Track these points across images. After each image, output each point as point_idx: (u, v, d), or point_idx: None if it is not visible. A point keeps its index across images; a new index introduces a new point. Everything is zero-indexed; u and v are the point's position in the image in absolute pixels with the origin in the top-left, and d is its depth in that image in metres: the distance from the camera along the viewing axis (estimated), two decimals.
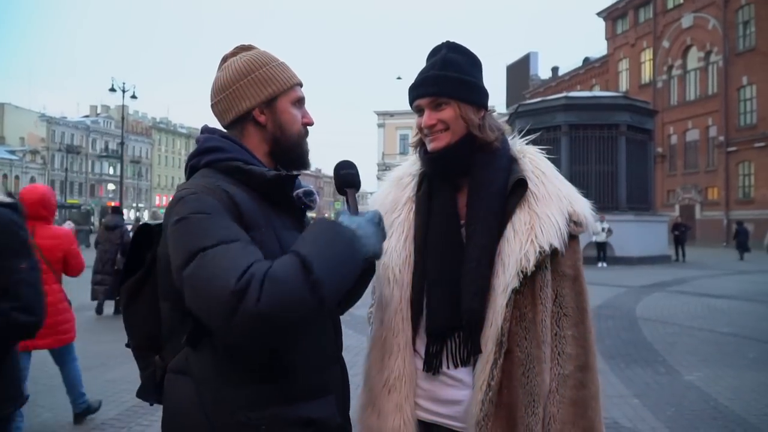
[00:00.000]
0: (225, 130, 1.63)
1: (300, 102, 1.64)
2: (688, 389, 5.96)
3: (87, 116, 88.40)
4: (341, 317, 1.75)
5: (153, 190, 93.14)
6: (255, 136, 1.60)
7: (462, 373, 1.66)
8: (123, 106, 39.74)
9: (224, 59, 1.65)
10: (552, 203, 1.64)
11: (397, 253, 1.73)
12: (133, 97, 37.61)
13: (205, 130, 1.63)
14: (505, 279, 1.58)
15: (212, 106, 1.63)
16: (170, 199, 1.50)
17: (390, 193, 1.85)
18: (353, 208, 1.60)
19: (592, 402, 1.63)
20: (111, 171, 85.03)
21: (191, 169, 1.58)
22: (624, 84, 48.34)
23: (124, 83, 36.83)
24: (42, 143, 77.73)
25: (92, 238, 36.84)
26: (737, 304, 11.99)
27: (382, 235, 1.48)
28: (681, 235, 24.97)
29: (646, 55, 46.29)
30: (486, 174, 1.68)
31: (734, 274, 18.81)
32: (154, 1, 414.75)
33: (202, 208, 1.36)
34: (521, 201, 1.65)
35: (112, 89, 36.45)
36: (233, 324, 1.22)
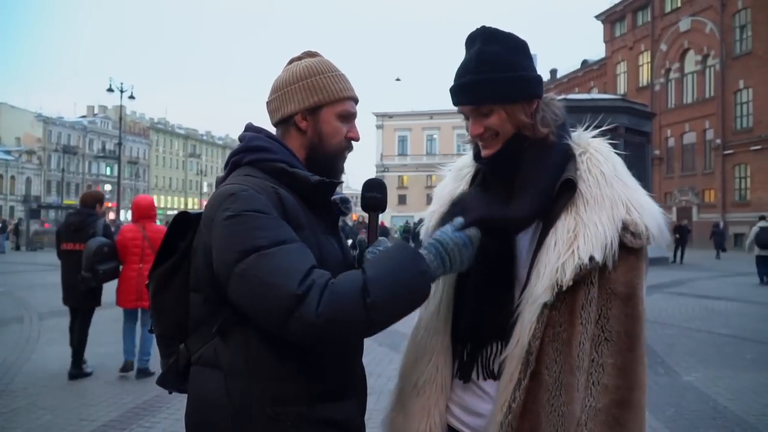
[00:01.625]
0: (271, 130, 1.67)
1: (348, 116, 1.64)
2: (687, 390, 5.98)
3: (84, 116, 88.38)
4: None
5: (150, 191, 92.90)
6: (296, 140, 1.62)
7: (490, 386, 1.54)
8: (121, 106, 39.68)
9: (290, 61, 1.69)
10: (603, 209, 1.43)
11: None
12: (131, 97, 37.58)
13: (251, 128, 1.66)
14: (536, 291, 1.41)
15: (267, 103, 1.68)
16: (213, 193, 1.52)
17: (448, 184, 1.76)
18: (373, 231, 1.64)
19: None
20: (108, 171, 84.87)
21: (233, 165, 1.60)
22: (622, 87, 48.42)
23: (122, 83, 36.85)
24: (38, 143, 77.57)
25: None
26: (735, 305, 12.04)
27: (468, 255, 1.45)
28: (682, 237, 25.10)
29: (644, 58, 46.39)
30: (533, 172, 1.50)
31: (732, 275, 18.87)
32: (153, 1, 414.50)
33: (257, 206, 1.39)
34: (568, 204, 1.45)
35: (110, 89, 36.42)
36: (289, 326, 1.28)
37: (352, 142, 1.67)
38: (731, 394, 5.72)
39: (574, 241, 1.40)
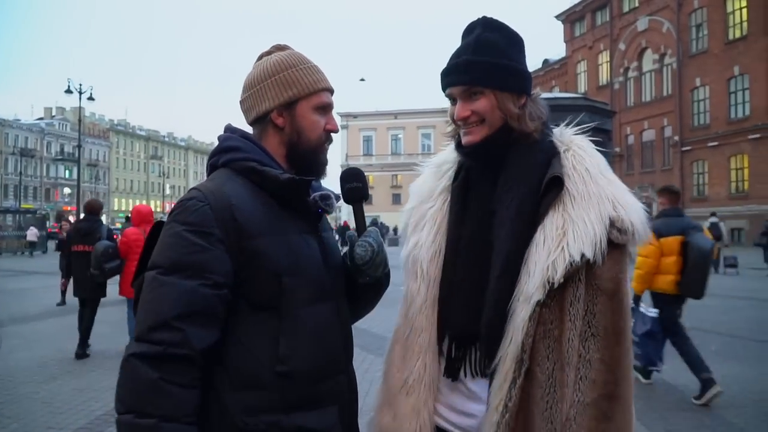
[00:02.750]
0: (249, 130, 1.63)
1: (324, 108, 1.60)
2: (655, 382, 6.10)
3: (41, 119, 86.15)
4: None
5: (111, 194, 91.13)
6: (274, 138, 1.58)
7: (478, 385, 1.52)
8: (80, 107, 38.75)
9: (259, 57, 1.64)
10: (591, 205, 1.42)
11: (426, 248, 1.60)
12: (91, 98, 36.66)
13: (228, 129, 1.63)
14: (528, 289, 1.40)
15: (240, 102, 1.63)
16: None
17: (427, 180, 1.71)
18: (360, 222, 1.62)
19: None
20: (67, 174, 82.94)
21: (211, 168, 1.58)
22: (582, 85, 49.26)
23: (80, 84, 35.94)
24: None
25: (50, 244, 35.97)
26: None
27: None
28: None
29: (603, 57, 47.25)
30: (519, 169, 1.50)
31: None
32: (110, 1, 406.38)
33: (190, 219, 1.39)
34: (555, 201, 1.45)
35: (69, 91, 35.48)
36: (129, 345, 1.35)
37: (331, 133, 1.63)
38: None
39: (563, 238, 1.40)
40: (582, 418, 1.37)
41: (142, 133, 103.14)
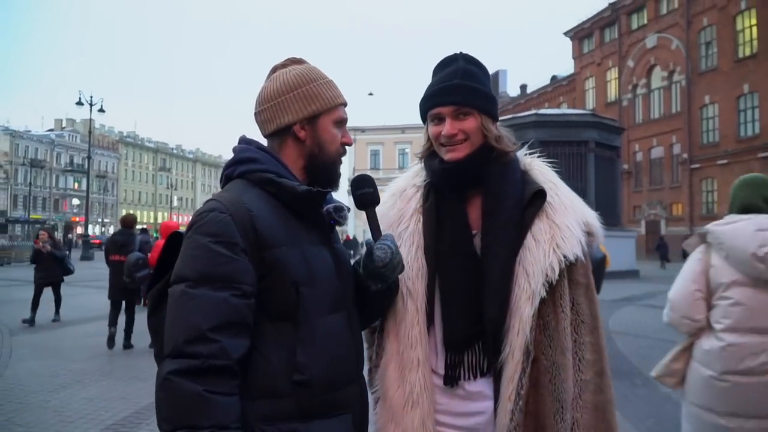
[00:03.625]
0: (264, 141, 1.65)
1: (342, 122, 1.64)
2: (665, 400, 6.05)
3: (52, 130, 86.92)
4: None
5: (119, 205, 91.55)
6: (293, 150, 1.61)
7: (480, 385, 1.66)
8: (90, 119, 39.08)
9: (274, 69, 1.66)
10: (568, 214, 1.67)
11: (409, 266, 1.69)
12: (101, 110, 37.02)
13: (243, 140, 1.65)
14: (530, 288, 1.59)
15: (255, 114, 1.64)
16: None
17: (394, 205, 1.82)
18: (375, 227, 1.64)
19: (609, 406, 1.66)
20: (76, 186, 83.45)
21: (226, 179, 1.60)
22: (591, 102, 49.29)
23: (91, 96, 36.29)
24: (5, 157, 75.90)
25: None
26: None
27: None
28: (664, 249, 29.59)
29: (612, 74, 47.30)
30: (503, 185, 1.69)
31: None
32: (121, 14, 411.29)
33: (214, 230, 1.40)
34: (539, 211, 1.66)
35: (80, 102, 35.83)
36: (161, 363, 1.35)
37: (346, 146, 1.68)
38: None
39: (552, 242, 1.62)
40: (585, 394, 1.62)
41: (151, 145, 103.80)
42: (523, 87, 62.10)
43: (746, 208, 2.82)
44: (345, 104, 1.67)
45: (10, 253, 33.16)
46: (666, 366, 2.96)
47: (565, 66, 56.61)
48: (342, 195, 1.67)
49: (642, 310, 13.22)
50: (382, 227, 1.71)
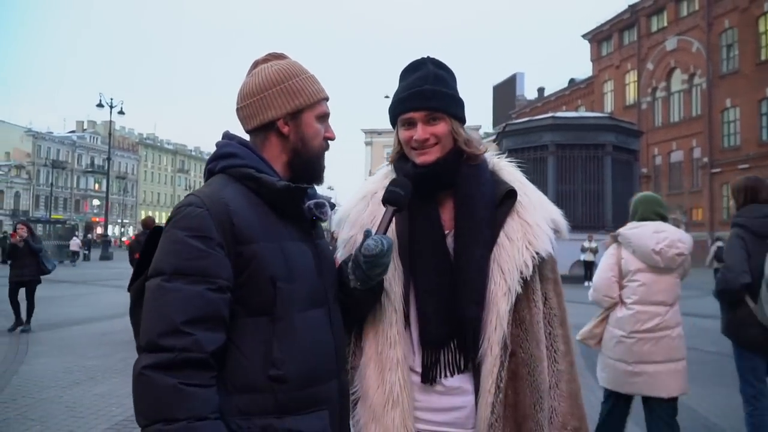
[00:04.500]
0: (246, 136, 1.65)
1: (325, 117, 1.64)
2: (681, 410, 5.98)
3: (73, 131, 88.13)
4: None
5: (138, 206, 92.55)
6: (276, 145, 1.61)
7: (458, 380, 1.68)
8: (110, 121, 39.59)
9: (255, 64, 1.65)
10: (537, 212, 1.73)
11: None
12: (121, 112, 37.48)
13: (225, 135, 1.65)
14: (506, 284, 1.64)
15: (237, 110, 1.63)
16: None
17: (366, 208, 1.82)
18: (383, 225, 1.63)
19: (580, 392, 1.75)
20: (96, 187, 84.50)
21: (208, 173, 1.61)
22: (609, 105, 48.96)
23: (111, 99, 36.75)
24: (28, 158, 77.14)
25: (94, 253, 36.42)
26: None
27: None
28: None
29: (631, 77, 46.98)
30: (474, 186, 1.73)
31: None
32: (141, 17, 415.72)
33: (191, 224, 1.41)
34: (511, 210, 1.72)
35: (100, 105, 36.31)
36: (139, 357, 1.35)
37: (329, 141, 1.67)
38: (721, 411, 5.73)
39: (524, 239, 1.68)
40: (561, 383, 1.71)
41: (170, 146, 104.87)
42: (541, 90, 61.80)
43: (644, 218, 3.94)
44: (327, 99, 1.67)
45: None
46: (589, 331, 4.05)
47: (583, 69, 56.17)
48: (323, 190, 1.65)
49: None
50: (352, 231, 1.77)
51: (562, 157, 22.73)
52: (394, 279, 1.71)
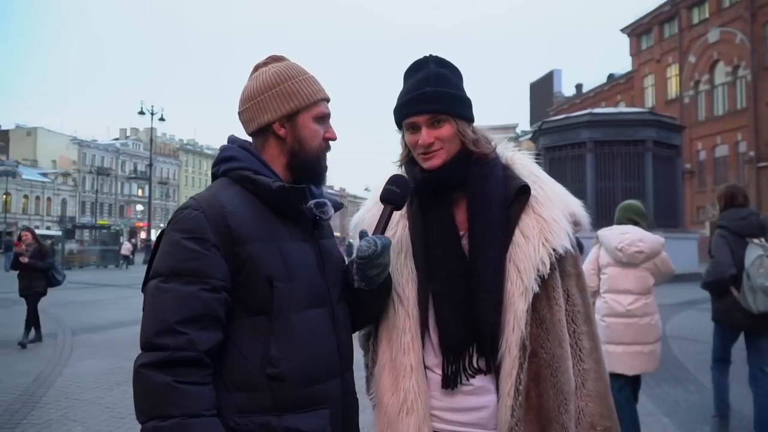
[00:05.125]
0: (249, 139, 1.68)
1: (323, 117, 1.64)
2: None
3: (117, 139, 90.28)
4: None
5: None
6: (275, 148, 1.62)
7: (481, 380, 1.64)
8: (152, 128, 40.48)
9: (256, 68, 1.68)
10: (554, 206, 1.66)
11: (398, 272, 1.70)
12: (161, 119, 38.29)
13: (229, 139, 1.68)
14: (523, 284, 1.58)
15: (238, 114, 1.67)
16: None
17: (380, 212, 1.75)
18: (380, 225, 1.64)
19: (608, 391, 1.68)
20: (139, 192, 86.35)
21: (213, 177, 1.65)
22: (650, 100, 47.95)
23: (152, 106, 37.58)
24: (73, 165, 79.45)
25: (138, 257, 37.42)
26: None
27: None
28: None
29: (672, 71, 45.91)
30: (485, 186, 1.68)
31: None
32: (181, 24, 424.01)
33: (186, 227, 1.45)
34: (525, 207, 1.66)
35: (141, 112, 37.16)
36: (135, 360, 1.38)
37: (330, 141, 1.67)
38: None
39: (541, 236, 1.62)
40: (588, 383, 1.64)
41: (210, 152, 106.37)
42: (579, 86, 60.77)
43: (619, 222, 4.73)
44: (326, 99, 1.67)
45: (77, 258, 34.55)
46: None
47: (623, 64, 55.22)
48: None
49: (702, 314, 12.68)
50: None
51: (601, 154, 22.32)
52: (408, 283, 1.69)
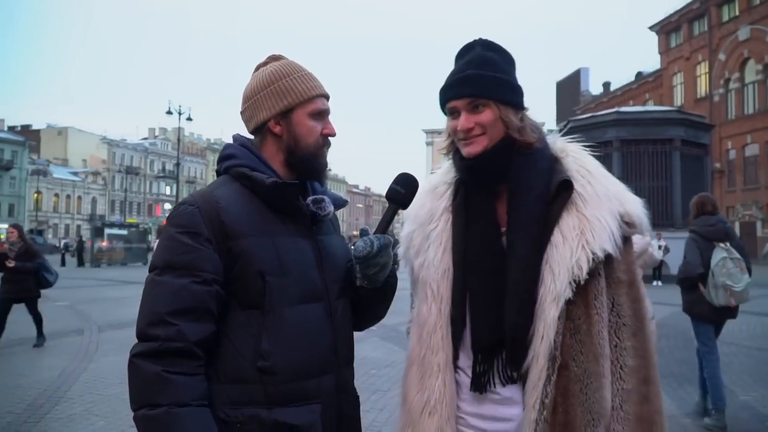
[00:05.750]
0: (251, 137, 1.71)
1: (320, 113, 1.64)
2: (742, 409, 5.75)
3: (145, 138, 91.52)
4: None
5: None
6: (273, 145, 1.65)
7: (510, 390, 1.54)
8: (179, 128, 40.90)
9: (256, 68, 1.71)
10: (602, 204, 1.50)
11: (434, 267, 1.62)
12: (189, 119, 38.62)
13: (233, 137, 1.72)
14: (556, 289, 1.45)
15: (240, 113, 1.70)
16: None
17: (426, 203, 1.72)
18: (383, 222, 1.64)
19: (656, 417, 1.49)
20: (168, 191, 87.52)
21: (217, 174, 1.69)
22: (679, 98, 47.20)
23: (180, 106, 37.92)
24: (103, 165, 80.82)
25: (149, 256, 37.98)
26: None
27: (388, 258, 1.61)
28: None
29: (702, 69, 45.16)
30: (526, 178, 1.55)
31: None
32: (209, 25, 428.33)
33: (181, 222, 1.50)
34: (568, 204, 1.51)
35: (169, 112, 37.50)
36: (132, 347, 1.42)
37: (329, 138, 1.67)
38: None
39: (582, 237, 1.46)
40: (628, 405, 1.46)
41: None
42: (606, 85, 60.11)
43: None
44: (324, 95, 1.67)
45: (105, 256, 35.13)
46: None
47: (651, 62, 54.39)
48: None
49: None
50: (412, 227, 1.70)
51: (628, 153, 22.06)
52: (443, 280, 1.61)
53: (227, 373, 1.47)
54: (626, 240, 1.53)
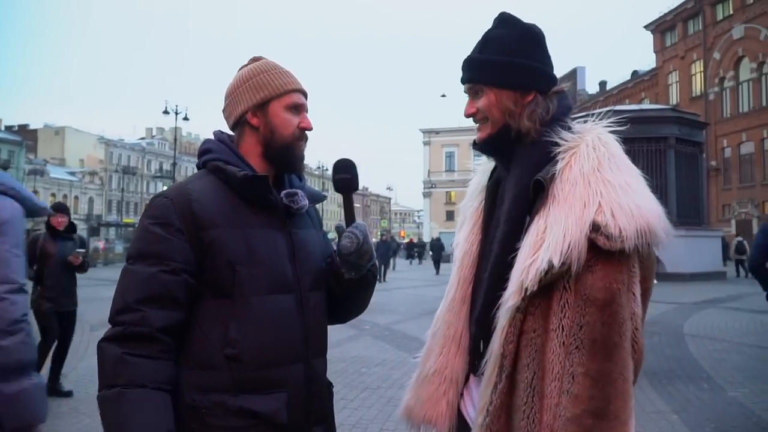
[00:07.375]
0: (231, 133, 1.76)
1: (296, 107, 1.69)
2: (730, 405, 5.77)
3: (143, 138, 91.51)
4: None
5: None
6: (251, 138, 1.69)
7: None
8: (176, 128, 40.92)
9: (239, 70, 1.77)
10: (572, 210, 1.34)
11: (460, 247, 1.67)
12: (186, 119, 38.64)
13: (213, 133, 1.77)
14: (507, 295, 1.39)
15: (222, 111, 1.76)
16: None
17: (474, 180, 1.76)
18: (348, 213, 1.68)
19: None
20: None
21: (197, 168, 1.74)
22: (674, 97, 47.28)
23: (176, 106, 37.94)
24: (100, 164, 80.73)
25: None
26: None
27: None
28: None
29: (697, 67, 45.26)
30: (518, 171, 1.48)
31: None
32: (209, 25, 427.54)
33: (155, 214, 1.55)
34: (542, 205, 1.40)
35: (166, 112, 37.53)
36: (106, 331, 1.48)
37: (306, 131, 1.71)
38: None
39: (542, 244, 1.34)
40: None
41: None
42: (603, 83, 60.12)
43: None
44: (299, 91, 1.71)
45: (99, 256, 35.25)
46: None
47: (646, 61, 54.49)
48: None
49: (724, 313, 12.58)
50: (463, 202, 1.74)
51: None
52: (464, 261, 1.65)
53: (196, 360, 1.51)
54: (609, 254, 1.32)
